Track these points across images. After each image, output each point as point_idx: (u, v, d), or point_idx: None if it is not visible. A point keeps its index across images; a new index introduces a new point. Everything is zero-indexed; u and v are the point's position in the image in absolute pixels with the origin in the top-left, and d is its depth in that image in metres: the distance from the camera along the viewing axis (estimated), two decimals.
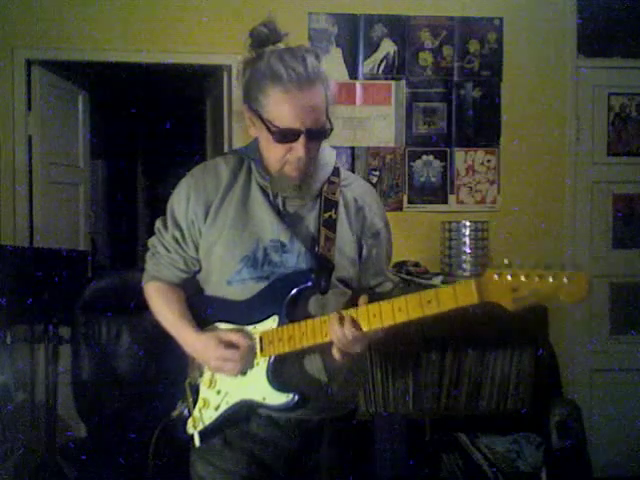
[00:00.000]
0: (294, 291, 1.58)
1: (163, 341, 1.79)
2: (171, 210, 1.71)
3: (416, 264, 3.36)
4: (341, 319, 1.49)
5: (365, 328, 1.49)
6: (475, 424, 3.19)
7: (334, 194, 1.67)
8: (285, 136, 1.54)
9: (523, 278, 1.32)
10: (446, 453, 3.13)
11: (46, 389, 3.08)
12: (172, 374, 1.77)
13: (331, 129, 1.59)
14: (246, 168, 1.69)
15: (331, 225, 1.64)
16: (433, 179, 3.67)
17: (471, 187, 3.69)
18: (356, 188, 1.74)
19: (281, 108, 1.52)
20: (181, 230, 1.69)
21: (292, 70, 1.51)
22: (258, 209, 1.64)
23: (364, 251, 1.71)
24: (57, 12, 3.43)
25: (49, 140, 3.72)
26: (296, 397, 1.56)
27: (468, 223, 3.34)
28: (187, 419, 1.69)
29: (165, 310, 1.72)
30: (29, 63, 3.53)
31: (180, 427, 1.69)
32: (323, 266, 1.61)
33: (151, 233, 1.79)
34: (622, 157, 3.81)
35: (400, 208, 3.63)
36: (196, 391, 1.69)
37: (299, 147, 1.54)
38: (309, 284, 1.58)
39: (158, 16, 3.48)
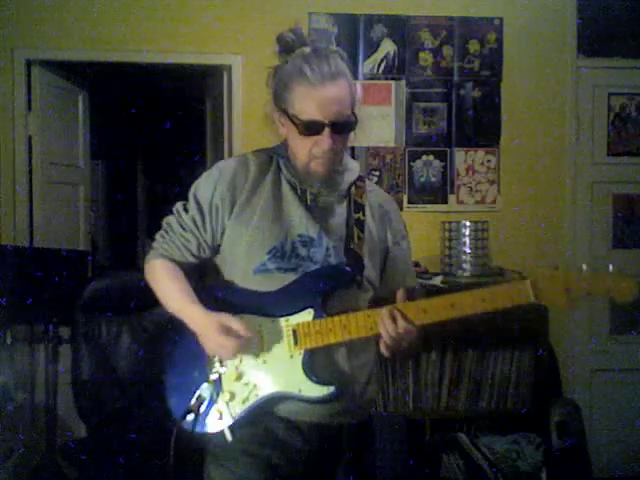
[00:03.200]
0: (333, 284, 1.61)
1: (162, 341, 1.79)
2: (195, 193, 1.71)
3: (416, 264, 3.35)
4: (393, 313, 1.52)
5: (416, 322, 1.52)
6: (475, 424, 3.19)
7: (361, 197, 1.73)
8: (309, 128, 1.59)
9: (576, 280, 1.40)
10: (446, 453, 3.12)
11: (46, 389, 3.08)
12: (183, 364, 1.74)
13: (355, 122, 1.65)
14: (275, 164, 1.72)
15: (361, 225, 1.70)
16: (433, 179, 3.67)
17: (471, 187, 3.69)
18: (381, 195, 1.83)
19: (305, 102, 1.59)
20: (202, 214, 1.69)
21: (316, 66, 1.58)
22: (288, 204, 1.68)
23: (391, 254, 1.77)
24: (57, 12, 3.43)
25: (49, 140, 3.71)
26: (335, 390, 1.57)
27: (468, 223, 3.34)
28: (208, 413, 1.63)
29: (170, 286, 1.69)
30: (29, 63, 3.52)
31: (201, 420, 1.62)
32: (356, 262, 1.65)
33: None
34: (622, 157, 3.81)
35: (400, 208, 3.61)
36: (219, 382, 1.65)
37: (324, 139, 1.60)
38: (348, 278, 1.62)
39: (158, 16, 3.48)
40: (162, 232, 1.75)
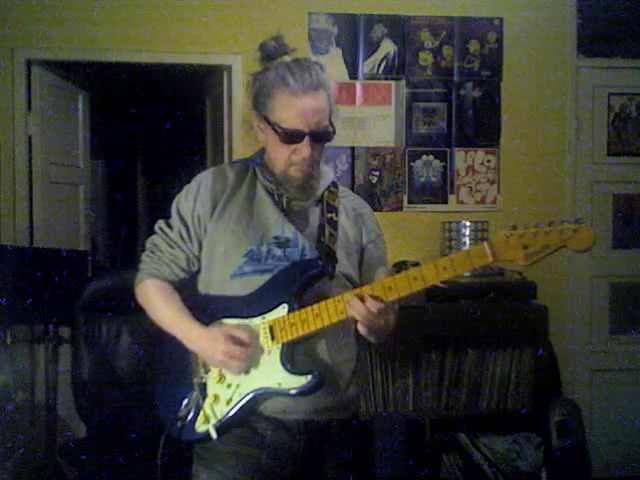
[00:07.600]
0: (304, 277, 1.63)
1: (163, 341, 1.79)
2: (177, 208, 1.76)
3: (416, 264, 3.35)
4: (360, 294, 1.55)
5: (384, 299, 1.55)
6: (475, 424, 3.19)
7: (334, 201, 1.78)
8: (290, 137, 1.64)
9: (532, 235, 1.43)
10: (446, 453, 3.13)
11: (46, 389, 3.08)
12: (172, 374, 1.76)
13: (333, 132, 1.69)
14: (251, 172, 1.77)
15: (333, 224, 1.74)
16: (433, 179, 3.67)
17: (471, 187, 3.69)
18: (353, 199, 1.88)
19: (287, 110, 1.63)
20: (187, 226, 1.73)
21: (299, 77, 1.63)
22: (263, 207, 1.72)
23: (366, 253, 1.80)
24: (57, 12, 3.43)
25: (49, 140, 3.71)
26: (314, 378, 1.58)
27: (468, 223, 3.34)
28: (195, 418, 1.66)
29: (164, 306, 1.72)
30: (29, 63, 3.52)
31: (188, 427, 1.66)
32: (328, 255, 1.68)
33: (151, 233, 1.79)
34: (622, 157, 3.81)
35: (400, 208, 3.63)
36: (204, 388, 1.67)
37: (303, 148, 1.65)
38: (318, 270, 1.64)
39: (158, 16, 3.48)
40: (148, 252, 1.78)
